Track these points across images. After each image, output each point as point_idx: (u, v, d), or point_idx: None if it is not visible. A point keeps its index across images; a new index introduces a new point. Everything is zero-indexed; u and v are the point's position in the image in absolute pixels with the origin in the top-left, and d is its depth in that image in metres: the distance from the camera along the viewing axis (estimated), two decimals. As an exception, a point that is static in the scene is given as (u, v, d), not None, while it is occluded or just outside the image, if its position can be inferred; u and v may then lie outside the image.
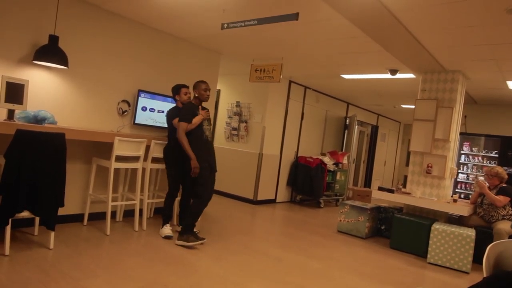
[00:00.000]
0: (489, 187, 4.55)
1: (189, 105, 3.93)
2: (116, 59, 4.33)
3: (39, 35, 3.62)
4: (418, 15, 3.26)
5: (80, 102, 4.04)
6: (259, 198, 6.73)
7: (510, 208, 4.38)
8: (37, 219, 3.43)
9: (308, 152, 7.79)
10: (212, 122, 4.33)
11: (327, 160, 7.49)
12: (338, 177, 7.68)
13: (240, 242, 4.09)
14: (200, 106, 3.95)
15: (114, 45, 4.29)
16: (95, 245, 3.42)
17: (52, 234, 3.15)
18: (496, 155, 6.82)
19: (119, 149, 3.75)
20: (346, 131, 9.03)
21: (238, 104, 6.97)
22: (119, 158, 3.83)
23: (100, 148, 4.12)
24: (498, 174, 4.55)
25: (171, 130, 4.05)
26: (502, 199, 4.34)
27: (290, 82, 7.11)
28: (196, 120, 3.80)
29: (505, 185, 4.52)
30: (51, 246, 3.16)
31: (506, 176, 4.60)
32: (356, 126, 9.23)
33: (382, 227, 5.35)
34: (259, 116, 6.71)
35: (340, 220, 5.30)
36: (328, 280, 3.32)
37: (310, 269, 3.53)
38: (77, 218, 4.03)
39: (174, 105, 4.33)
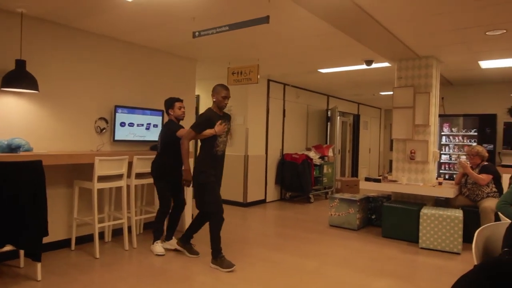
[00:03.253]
0: (471, 167, 4.64)
1: (208, 113, 3.54)
2: (89, 76, 4.22)
3: (4, 60, 3.49)
4: (387, 6, 3.28)
5: (55, 125, 3.92)
6: (249, 200, 6.71)
7: (494, 186, 4.48)
8: (22, 251, 3.33)
9: (293, 148, 7.81)
10: (230, 133, 3.97)
11: (312, 154, 7.52)
12: (325, 170, 7.73)
13: (234, 249, 4.07)
14: (220, 115, 3.57)
15: (85, 63, 4.18)
16: (85, 270, 3.34)
17: (39, 265, 3.06)
18: (476, 133, 6.97)
19: (101, 169, 3.66)
20: (328, 123, 9.09)
21: (218, 108, 6.92)
22: (102, 178, 3.75)
23: (81, 169, 4.02)
24: (478, 153, 4.64)
25: (164, 145, 3.85)
26: (484, 177, 4.43)
27: (269, 81, 7.10)
28: (206, 133, 3.46)
29: (487, 163, 4.62)
30: (39, 278, 3.07)
31: (487, 154, 4.70)
32: (338, 117, 9.28)
33: (373, 217, 5.40)
34: (241, 118, 6.68)
35: (331, 214, 5.33)
36: (325, 278, 3.33)
37: (306, 269, 3.54)
38: (64, 244, 3.92)
39: (152, 116, 4.26)
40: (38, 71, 3.69)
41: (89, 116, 4.24)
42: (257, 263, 3.66)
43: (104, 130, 4.36)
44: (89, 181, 3.71)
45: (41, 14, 3.66)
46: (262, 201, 7.06)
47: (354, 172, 10.72)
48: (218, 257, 3.47)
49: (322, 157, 7.83)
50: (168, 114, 4.00)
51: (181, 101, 4.03)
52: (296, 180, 7.11)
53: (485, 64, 5.44)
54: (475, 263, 2.03)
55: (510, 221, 2.33)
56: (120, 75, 4.55)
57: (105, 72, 4.38)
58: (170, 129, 3.87)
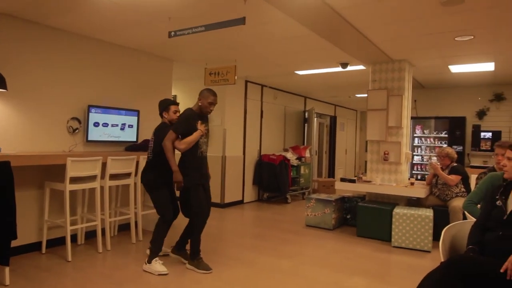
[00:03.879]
0: (441, 167, 4.80)
1: (188, 112, 3.42)
2: (61, 75, 4.11)
3: (-30, 57, 3.36)
4: (360, 11, 3.36)
5: (25, 125, 3.80)
6: (226, 200, 6.70)
7: (462, 186, 4.66)
8: (-11, 255, 3.20)
9: (271, 149, 7.85)
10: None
11: (290, 155, 7.59)
12: (302, 171, 7.81)
13: (211, 251, 4.05)
14: (199, 115, 3.46)
15: (57, 61, 4.07)
16: (56, 273, 3.25)
17: (7, 269, 2.95)
18: (446, 135, 7.22)
19: (73, 170, 3.57)
20: (306, 124, 9.19)
21: (196, 109, 6.87)
22: (74, 179, 3.66)
23: (52, 170, 3.91)
24: (448, 154, 4.81)
25: (160, 150, 3.42)
26: (454, 178, 4.60)
27: (246, 82, 7.11)
28: (192, 139, 3.32)
29: (456, 164, 4.80)
30: (7, 282, 2.96)
31: (456, 156, 4.88)
32: (315, 119, 9.41)
33: (348, 217, 5.51)
34: (218, 119, 6.66)
35: (307, 215, 5.40)
36: (300, 277, 3.37)
37: (282, 270, 3.57)
38: (34, 247, 3.80)
39: (130, 117, 4.16)
40: (8, 69, 3.57)
41: (61, 116, 4.13)
42: (234, 264, 3.67)
43: (76, 130, 4.25)
44: (61, 183, 3.61)
45: (10, 11, 3.54)
46: (240, 202, 7.06)
47: (331, 173, 10.88)
48: (195, 259, 3.44)
49: (299, 158, 7.91)
50: (162, 116, 3.74)
51: (177, 104, 3.81)
52: (274, 181, 7.16)
53: (455, 68, 5.65)
54: (442, 260, 2.11)
55: (475, 219, 2.44)
56: (94, 74, 4.46)
57: (78, 71, 4.28)
58: (159, 134, 3.53)
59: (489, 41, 4.20)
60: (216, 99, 3.49)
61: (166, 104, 3.74)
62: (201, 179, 3.46)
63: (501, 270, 1.88)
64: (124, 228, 4.61)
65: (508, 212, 2.07)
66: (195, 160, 3.42)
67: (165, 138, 3.34)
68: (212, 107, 3.47)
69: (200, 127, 3.40)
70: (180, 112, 3.63)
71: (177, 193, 3.59)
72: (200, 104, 3.45)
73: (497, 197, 2.20)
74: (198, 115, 3.46)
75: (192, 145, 3.37)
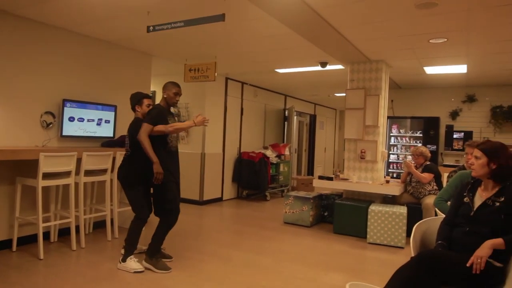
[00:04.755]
0: (415, 166, 4.94)
1: (160, 108, 3.42)
2: (35, 68, 3.99)
3: None
4: (339, 11, 3.41)
5: (-5, 118, 3.67)
6: (205, 198, 6.68)
7: (435, 184, 4.81)
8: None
9: (251, 147, 7.87)
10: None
11: (269, 153, 7.63)
12: (281, 168, 7.87)
13: (189, 247, 4.04)
14: (169, 111, 3.48)
15: (30, 53, 3.94)
16: (27, 271, 3.17)
17: (-25, 267, 2.86)
18: (421, 135, 7.43)
19: (46, 165, 3.48)
20: (286, 122, 9.25)
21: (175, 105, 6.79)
22: (47, 175, 3.56)
23: (24, 166, 3.79)
24: (422, 153, 4.95)
25: (136, 146, 3.34)
26: (427, 176, 4.74)
27: (227, 79, 7.09)
28: (182, 126, 3.44)
29: (429, 162, 4.94)
30: (-25, 281, 2.87)
31: (429, 154, 5.03)
32: (295, 117, 9.49)
33: (325, 214, 5.59)
34: (206, 116, 6.60)
35: (286, 212, 5.45)
36: (278, 274, 3.40)
37: (260, 266, 3.59)
38: (4, 245, 3.69)
39: (106, 112, 4.07)
40: (-24, 60, 3.44)
41: (34, 110, 4.01)
42: (211, 260, 3.66)
43: (50, 125, 4.14)
44: (33, 178, 3.51)
45: (-20, -2, 3.41)
46: (219, 199, 7.05)
47: (310, 171, 11.00)
48: (154, 257, 3.35)
49: (278, 156, 7.96)
50: (134, 111, 3.64)
51: (150, 97, 3.75)
52: (253, 178, 7.18)
53: (430, 70, 5.81)
54: (412, 255, 2.18)
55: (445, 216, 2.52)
56: (70, 67, 4.34)
57: (52, 64, 4.16)
58: (134, 129, 3.42)
59: (461, 44, 4.35)
60: (180, 90, 3.51)
61: (138, 98, 3.65)
62: (175, 175, 3.44)
63: (467, 264, 1.96)
64: (99, 225, 4.52)
65: (475, 209, 2.16)
66: (168, 155, 3.40)
67: (140, 131, 3.25)
68: (177, 97, 3.49)
69: (197, 119, 3.43)
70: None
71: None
72: (165, 96, 3.45)
73: (464, 194, 2.28)
74: (168, 110, 3.48)
75: (163, 138, 3.35)
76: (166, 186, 3.33)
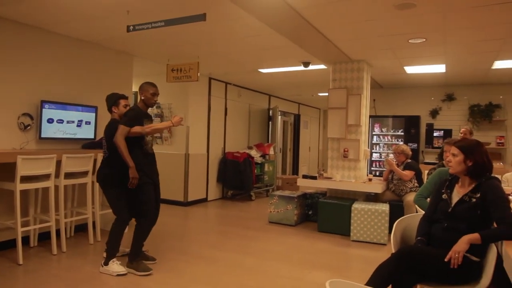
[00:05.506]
0: (397, 164, 5.03)
1: (137, 109, 3.37)
2: (11, 68, 3.89)
3: None
4: (319, 12, 3.44)
5: (-30, 121, 3.56)
6: (190, 199, 6.63)
7: (416, 181, 4.90)
8: None
9: (235, 147, 7.86)
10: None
11: (254, 153, 7.63)
12: (266, 168, 7.89)
13: (173, 248, 4.00)
14: (145, 113, 3.44)
15: (6, 53, 3.83)
16: (5, 277, 3.08)
17: (-51, 275, 2.77)
18: (402, 133, 7.56)
19: (24, 168, 3.40)
20: (270, 122, 9.28)
21: (158, 106, 6.74)
22: (26, 178, 3.47)
23: (1, 169, 3.68)
24: (403, 151, 5.04)
25: (113, 148, 3.29)
26: (408, 174, 4.83)
27: (210, 79, 7.06)
28: (160, 126, 3.49)
29: (410, 160, 5.04)
30: (-50, 289, 2.78)
31: (411, 152, 5.12)
32: (279, 117, 9.53)
33: (310, 212, 5.63)
34: (182, 116, 6.55)
35: (270, 211, 5.46)
36: (263, 273, 3.41)
37: (245, 266, 3.59)
38: (-19, 251, 3.58)
39: (86, 113, 3.99)
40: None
41: (11, 112, 3.91)
42: (196, 261, 3.64)
43: (28, 127, 4.04)
44: (10, 182, 3.42)
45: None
46: (204, 200, 7.02)
47: (295, 170, 11.05)
48: (135, 261, 3.30)
49: (263, 156, 7.97)
50: (110, 112, 3.60)
51: (126, 98, 3.70)
52: (238, 178, 7.18)
53: (410, 69, 5.92)
54: (393, 251, 2.22)
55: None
56: (48, 68, 4.25)
57: (29, 64, 4.06)
58: (116, 129, 3.31)
59: (440, 44, 4.45)
60: (157, 89, 3.48)
61: (115, 98, 3.61)
62: (153, 177, 3.40)
63: (445, 259, 2.00)
64: (81, 228, 4.44)
65: (452, 205, 2.21)
66: (145, 157, 3.37)
67: (117, 134, 3.20)
68: (155, 97, 3.44)
69: (174, 118, 3.41)
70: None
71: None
72: (143, 98, 3.40)
73: (443, 191, 2.33)
74: (145, 113, 3.44)
75: (140, 139, 3.31)
76: (142, 188, 3.30)
